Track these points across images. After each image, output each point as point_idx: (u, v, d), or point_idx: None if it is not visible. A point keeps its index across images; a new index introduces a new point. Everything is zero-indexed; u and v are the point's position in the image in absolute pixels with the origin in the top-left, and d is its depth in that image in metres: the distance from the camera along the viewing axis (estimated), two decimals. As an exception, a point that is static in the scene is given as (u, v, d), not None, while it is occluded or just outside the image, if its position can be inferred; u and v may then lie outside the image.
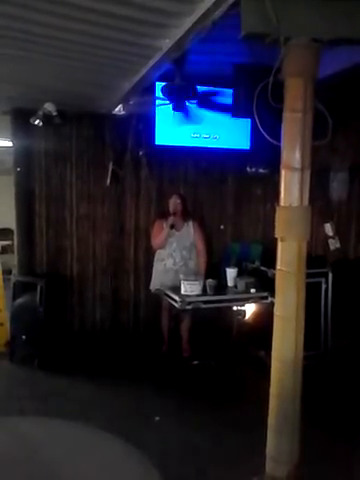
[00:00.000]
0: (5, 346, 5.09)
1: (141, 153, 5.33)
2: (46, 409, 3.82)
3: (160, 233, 4.93)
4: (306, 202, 2.52)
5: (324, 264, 4.83)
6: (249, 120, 4.10)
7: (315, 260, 4.47)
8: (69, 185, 5.42)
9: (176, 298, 4.20)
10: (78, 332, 5.54)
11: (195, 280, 4.30)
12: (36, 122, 4.80)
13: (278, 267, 2.59)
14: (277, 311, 2.62)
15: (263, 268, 4.76)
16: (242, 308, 4.90)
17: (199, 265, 4.98)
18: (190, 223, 5.04)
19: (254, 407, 3.24)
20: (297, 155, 2.47)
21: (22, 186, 5.28)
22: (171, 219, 4.85)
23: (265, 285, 4.31)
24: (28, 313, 4.91)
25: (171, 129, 4.85)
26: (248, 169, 5.66)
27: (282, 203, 2.55)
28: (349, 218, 5.37)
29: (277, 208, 2.58)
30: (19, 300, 5.02)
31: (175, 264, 4.90)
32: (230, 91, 3.43)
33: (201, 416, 3.77)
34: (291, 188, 2.50)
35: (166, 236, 4.89)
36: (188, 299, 4.15)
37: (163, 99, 4.10)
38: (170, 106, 4.09)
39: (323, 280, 4.75)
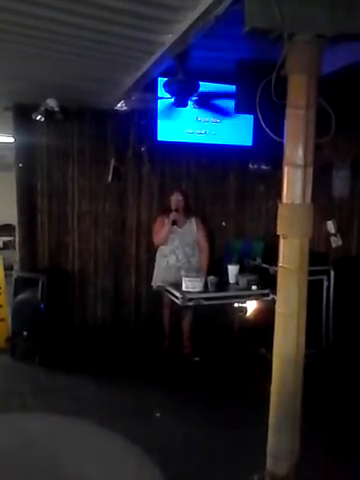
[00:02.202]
0: (6, 342, 5.10)
1: (143, 149, 5.32)
2: (47, 405, 3.82)
3: (162, 229, 4.93)
4: (308, 199, 2.51)
5: (326, 261, 4.82)
6: (252, 116, 4.09)
7: (317, 257, 4.46)
8: (71, 181, 5.41)
9: (177, 294, 4.20)
10: (79, 328, 5.54)
11: (196, 277, 4.30)
12: (38, 118, 4.80)
13: (280, 264, 2.58)
14: (279, 308, 2.61)
15: (265, 265, 4.75)
16: (243, 305, 4.90)
17: (201, 262, 4.97)
18: (192, 220, 5.03)
19: (255, 404, 3.24)
20: (300, 152, 2.45)
21: (24, 182, 5.27)
22: (173, 215, 4.84)
23: (267, 282, 4.31)
24: (29, 309, 4.92)
25: (173, 125, 4.84)
26: (250, 166, 5.64)
27: (284, 200, 2.53)
28: (351, 215, 5.37)
29: (279, 205, 2.57)
30: (20, 296, 5.02)
31: (178, 261, 4.89)
32: (232, 88, 3.42)
33: (202, 413, 3.77)
34: (293, 185, 2.49)
35: (168, 232, 4.88)
36: (189, 295, 4.15)
37: (165, 95, 4.09)
38: (172, 102, 4.08)
39: (325, 277, 4.74)
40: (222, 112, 4.80)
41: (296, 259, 2.51)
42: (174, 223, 4.86)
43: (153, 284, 5.08)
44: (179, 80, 3.65)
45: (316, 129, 2.47)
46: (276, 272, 2.65)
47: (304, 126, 2.43)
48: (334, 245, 5.40)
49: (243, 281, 4.41)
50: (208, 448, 3.28)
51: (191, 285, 4.20)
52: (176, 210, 4.88)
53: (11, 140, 5.42)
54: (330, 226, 5.39)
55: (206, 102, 4.67)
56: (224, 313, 5.14)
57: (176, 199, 4.94)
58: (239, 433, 3.41)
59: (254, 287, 4.38)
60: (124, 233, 5.63)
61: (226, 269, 4.51)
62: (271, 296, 4.23)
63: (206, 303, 4.24)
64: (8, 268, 5.72)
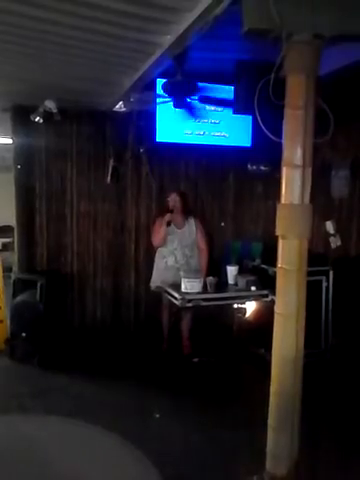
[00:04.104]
0: (5, 343, 5.09)
1: (142, 150, 5.31)
2: (46, 407, 3.81)
3: (159, 231, 4.92)
4: (307, 200, 2.51)
5: (325, 262, 4.81)
6: (250, 117, 4.09)
7: (316, 258, 4.45)
8: (69, 182, 5.41)
9: (176, 295, 4.19)
10: (78, 329, 5.54)
11: (195, 278, 4.29)
12: (36, 119, 4.79)
13: (279, 265, 2.58)
14: (278, 309, 2.61)
15: (264, 266, 4.75)
16: (243, 306, 4.89)
17: (200, 263, 4.96)
18: (191, 221, 5.03)
19: (254, 405, 3.24)
20: (298, 152, 2.45)
21: (22, 183, 5.27)
22: (167, 216, 4.83)
23: (266, 283, 4.30)
24: (28, 310, 4.91)
25: (172, 126, 4.83)
26: (249, 166, 5.64)
27: (283, 201, 2.53)
28: (350, 216, 5.35)
29: (278, 206, 2.57)
30: (19, 297, 5.01)
31: (177, 262, 4.89)
32: (231, 88, 3.42)
33: (201, 414, 3.77)
34: (292, 185, 2.49)
35: (164, 234, 4.87)
36: (188, 297, 4.15)
37: (164, 96, 4.09)
38: (171, 103, 4.08)
39: (324, 278, 4.74)
40: (225, 104, 4.72)
41: (295, 260, 2.51)
42: (169, 224, 4.84)
43: (151, 284, 5.07)
44: (177, 81, 3.65)
45: (315, 129, 2.47)
46: (275, 273, 2.65)
47: (302, 126, 2.44)
48: (333, 245, 5.38)
49: (242, 282, 4.40)
50: (207, 449, 3.28)
51: (190, 286, 4.20)
52: (172, 211, 4.86)
53: (10, 141, 5.42)
54: (329, 226, 5.37)
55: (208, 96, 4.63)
56: (223, 314, 5.14)
57: (173, 199, 4.94)
58: (238, 434, 3.40)
59: (253, 288, 4.38)
60: (123, 234, 5.63)
61: (225, 270, 4.50)
62: (270, 297, 4.22)
63: (205, 304, 4.24)
64: (8, 270, 5.71)
